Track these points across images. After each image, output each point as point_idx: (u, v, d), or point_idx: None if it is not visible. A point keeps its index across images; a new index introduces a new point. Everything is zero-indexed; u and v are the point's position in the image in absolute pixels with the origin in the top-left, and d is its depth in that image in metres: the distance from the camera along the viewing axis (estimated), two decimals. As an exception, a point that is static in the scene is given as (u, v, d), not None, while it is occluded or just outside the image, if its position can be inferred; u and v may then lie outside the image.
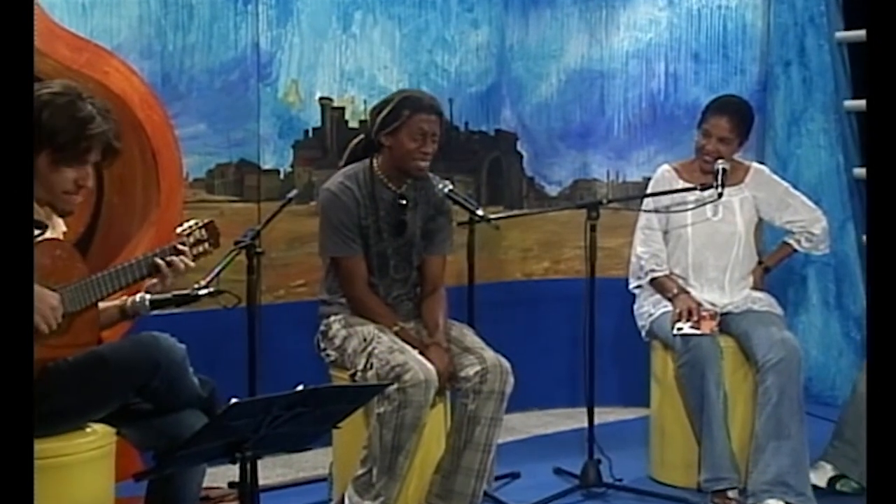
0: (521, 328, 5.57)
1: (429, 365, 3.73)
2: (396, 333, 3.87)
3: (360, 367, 3.79)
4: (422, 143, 3.88)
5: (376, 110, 3.97)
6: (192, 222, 3.37)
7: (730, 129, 4.47)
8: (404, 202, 3.99)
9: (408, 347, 3.80)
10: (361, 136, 4.09)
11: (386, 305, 3.99)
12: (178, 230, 3.33)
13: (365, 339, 3.82)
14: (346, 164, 4.07)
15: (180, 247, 3.24)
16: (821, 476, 4.32)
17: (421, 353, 3.80)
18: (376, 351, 3.76)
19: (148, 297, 3.24)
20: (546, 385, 5.57)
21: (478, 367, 3.83)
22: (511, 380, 3.86)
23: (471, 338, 3.97)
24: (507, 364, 3.86)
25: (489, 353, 3.87)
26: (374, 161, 3.99)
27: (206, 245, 3.38)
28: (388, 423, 3.69)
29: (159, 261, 3.18)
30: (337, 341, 3.92)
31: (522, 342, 5.44)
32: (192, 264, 3.26)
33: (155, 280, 3.22)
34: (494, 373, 3.82)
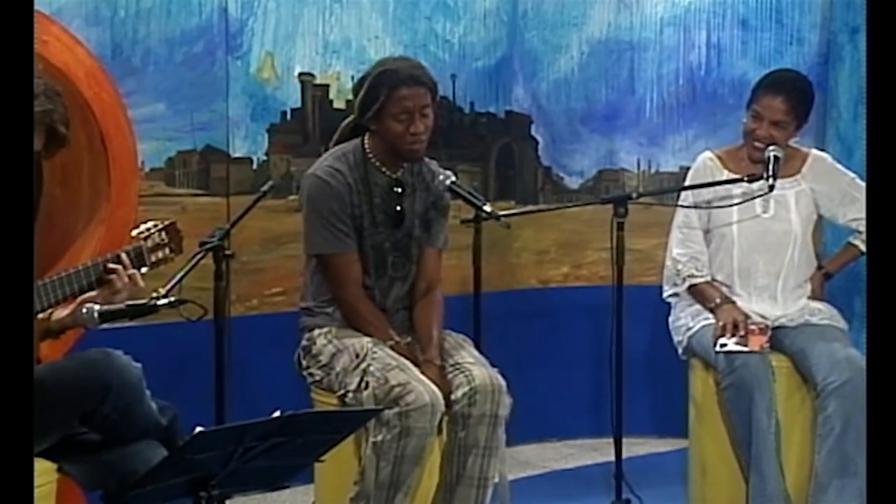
0: (535, 344, 5.56)
1: (433, 386, 3.73)
2: (392, 348, 3.87)
3: (353, 387, 3.78)
4: (408, 122, 3.88)
5: (355, 92, 4.00)
6: (150, 224, 3.36)
7: (785, 110, 4.46)
8: (401, 189, 4.00)
9: (409, 364, 3.79)
10: (352, 117, 4.09)
11: (382, 313, 3.99)
12: (134, 233, 3.32)
13: (357, 355, 3.81)
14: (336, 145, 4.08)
15: (123, 258, 3.23)
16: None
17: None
18: (371, 368, 3.76)
19: (97, 307, 3.22)
20: (566, 411, 5.57)
21: (466, 388, 3.82)
22: (506, 401, 3.85)
23: (463, 352, 3.97)
24: (500, 381, 3.85)
25: (479, 370, 3.86)
26: (366, 142, 4.00)
27: (167, 251, 3.39)
28: (387, 454, 3.68)
29: (114, 266, 3.17)
30: (323, 358, 3.91)
31: (538, 361, 5.45)
32: (140, 283, 3.25)
33: (105, 290, 3.22)
34: (484, 393, 3.81)
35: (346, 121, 4.11)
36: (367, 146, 3.99)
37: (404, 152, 3.93)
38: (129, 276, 3.24)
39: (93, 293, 3.24)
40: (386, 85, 3.87)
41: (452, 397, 3.81)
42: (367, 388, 3.74)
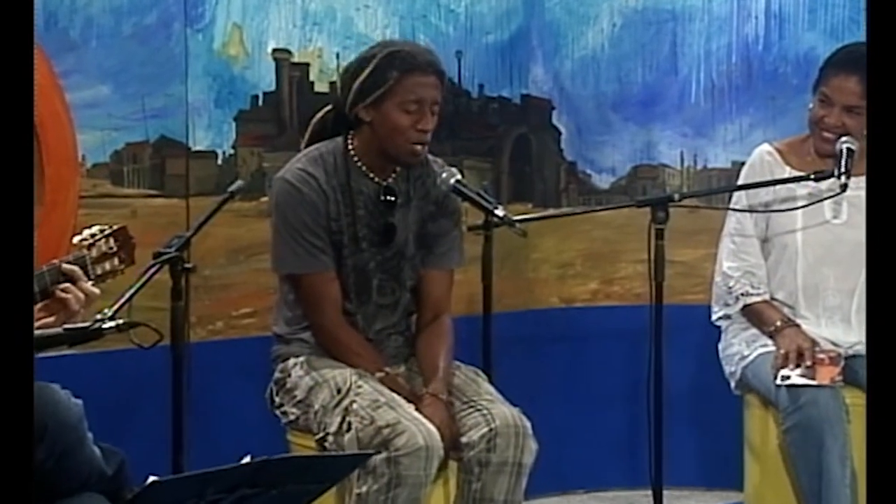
0: (557, 376, 5.57)
1: (430, 425, 3.74)
2: (381, 381, 3.88)
3: (333, 428, 3.79)
4: (417, 116, 3.89)
5: (351, 73, 3.98)
6: (95, 229, 3.35)
7: (860, 93, 4.45)
8: (392, 198, 4.00)
9: (400, 400, 3.80)
10: (329, 106, 4.09)
11: (367, 342, 4.00)
12: (76, 240, 3.31)
13: (339, 391, 3.82)
14: (309, 146, 4.08)
15: (69, 268, 3.21)
16: None
17: (417, 408, 3.81)
18: (355, 406, 3.76)
19: (29, 331, 3.23)
20: (594, 457, 5.58)
21: (484, 429, 3.83)
22: (532, 445, 3.86)
23: (478, 387, 3.98)
24: (524, 423, 3.87)
25: (499, 409, 3.88)
26: (349, 140, 4.01)
27: (116, 261, 3.38)
28: (374, 507, 3.70)
29: (65, 282, 3.17)
30: (298, 394, 3.92)
31: (560, 396, 5.45)
32: (95, 292, 3.25)
33: (42, 312, 3.21)
34: (506, 436, 3.82)
35: (321, 113, 4.12)
36: (350, 146, 4.00)
37: (404, 152, 3.93)
38: (84, 291, 3.23)
39: (49, 319, 3.22)
40: (397, 68, 3.88)
41: (465, 440, 3.82)
42: (349, 429, 3.75)
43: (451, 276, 4.13)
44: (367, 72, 3.91)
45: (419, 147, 3.93)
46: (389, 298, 4.07)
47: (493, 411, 3.86)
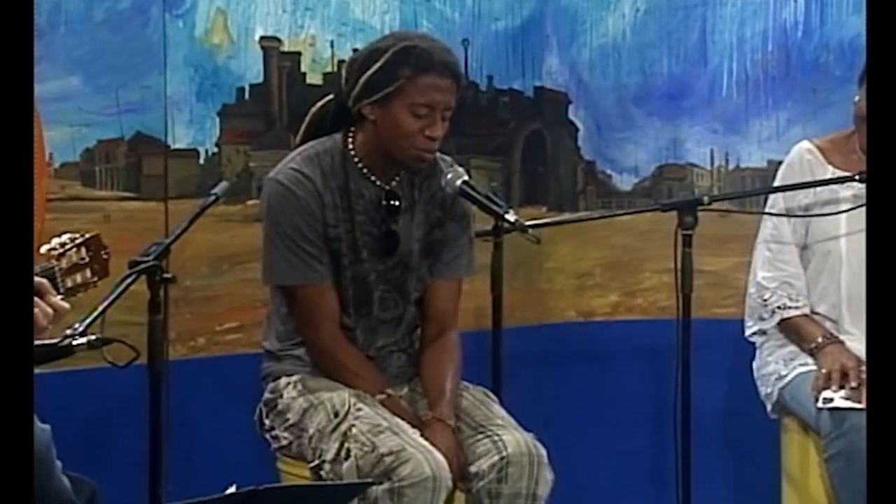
0: (574, 397, 5.57)
1: (436, 453, 3.73)
2: (382, 403, 3.88)
3: (330, 455, 3.79)
4: (427, 121, 3.89)
5: (359, 65, 3.97)
6: (65, 237, 3.35)
7: (910, 84, 4.47)
8: (395, 203, 3.99)
9: (403, 425, 3.80)
10: (329, 97, 4.09)
11: (367, 360, 4.00)
12: (44, 249, 3.31)
13: (336, 414, 3.82)
14: (305, 140, 4.08)
15: (37, 280, 3.21)
16: None
17: (422, 434, 3.81)
18: (355, 431, 3.76)
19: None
20: (617, 487, 5.58)
21: (494, 458, 3.83)
22: (547, 475, 3.87)
23: (488, 410, 3.99)
24: (538, 450, 3.87)
25: (511, 435, 3.88)
26: (350, 138, 4.00)
27: (88, 273, 3.39)
28: (375, 543, 3.70)
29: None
30: (291, 417, 3.92)
31: (577, 419, 5.44)
32: (65, 306, 3.24)
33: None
34: (519, 465, 3.83)
35: (319, 105, 4.11)
36: (350, 144, 4.00)
37: (410, 158, 3.93)
38: (52, 306, 3.22)
39: None
40: (411, 66, 3.86)
41: (474, 470, 3.83)
42: (348, 456, 3.75)
43: (458, 286, 4.13)
44: (376, 66, 3.89)
45: (426, 154, 3.93)
46: (392, 313, 4.07)
47: (504, 438, 3.86)
